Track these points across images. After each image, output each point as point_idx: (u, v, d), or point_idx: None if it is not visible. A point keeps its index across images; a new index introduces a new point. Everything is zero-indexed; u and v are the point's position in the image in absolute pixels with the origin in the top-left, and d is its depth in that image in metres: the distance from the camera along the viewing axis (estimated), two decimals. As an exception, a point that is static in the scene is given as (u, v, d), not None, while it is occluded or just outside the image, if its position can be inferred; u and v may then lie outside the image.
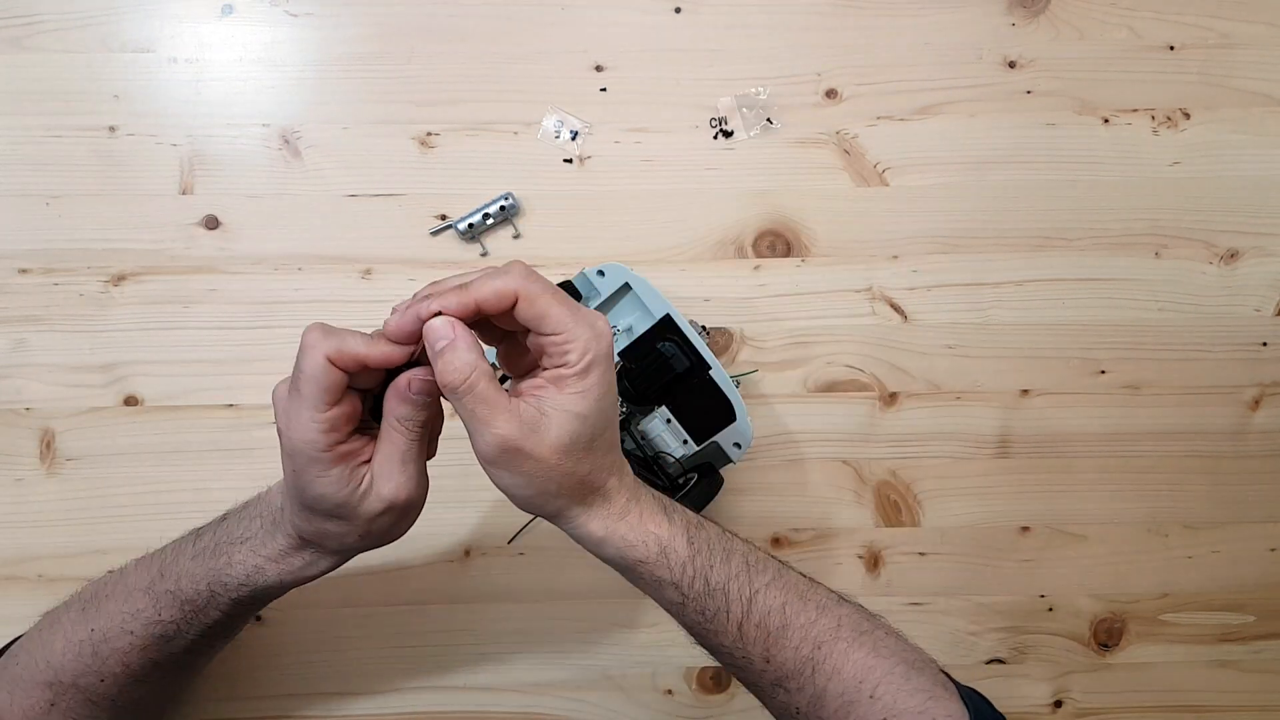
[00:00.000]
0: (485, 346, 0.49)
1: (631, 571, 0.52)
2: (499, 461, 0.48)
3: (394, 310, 0.48)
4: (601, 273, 0.66)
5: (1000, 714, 0.51)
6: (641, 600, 0.73)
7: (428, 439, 0.51)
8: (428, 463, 0.52)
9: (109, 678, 0.55)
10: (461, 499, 0.72)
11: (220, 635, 0.57)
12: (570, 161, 0.72)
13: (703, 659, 0.73)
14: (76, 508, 0.71)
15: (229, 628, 0.57)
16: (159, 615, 0.54)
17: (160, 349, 0.71)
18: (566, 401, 0.47)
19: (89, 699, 0.56)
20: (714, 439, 0.65)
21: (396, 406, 0.49)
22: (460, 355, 0.46)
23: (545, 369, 0.48)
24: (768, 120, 0.70)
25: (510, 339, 0.51)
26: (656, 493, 0.54)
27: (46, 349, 0.71)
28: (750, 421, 0.64)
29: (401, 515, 0.51)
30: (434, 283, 0.50)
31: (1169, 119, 0.74)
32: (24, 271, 0.71)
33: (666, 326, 0.65)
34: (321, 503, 0.49)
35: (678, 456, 0.66)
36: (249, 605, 0.55)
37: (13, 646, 0.59)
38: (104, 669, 0.55)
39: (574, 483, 0.49)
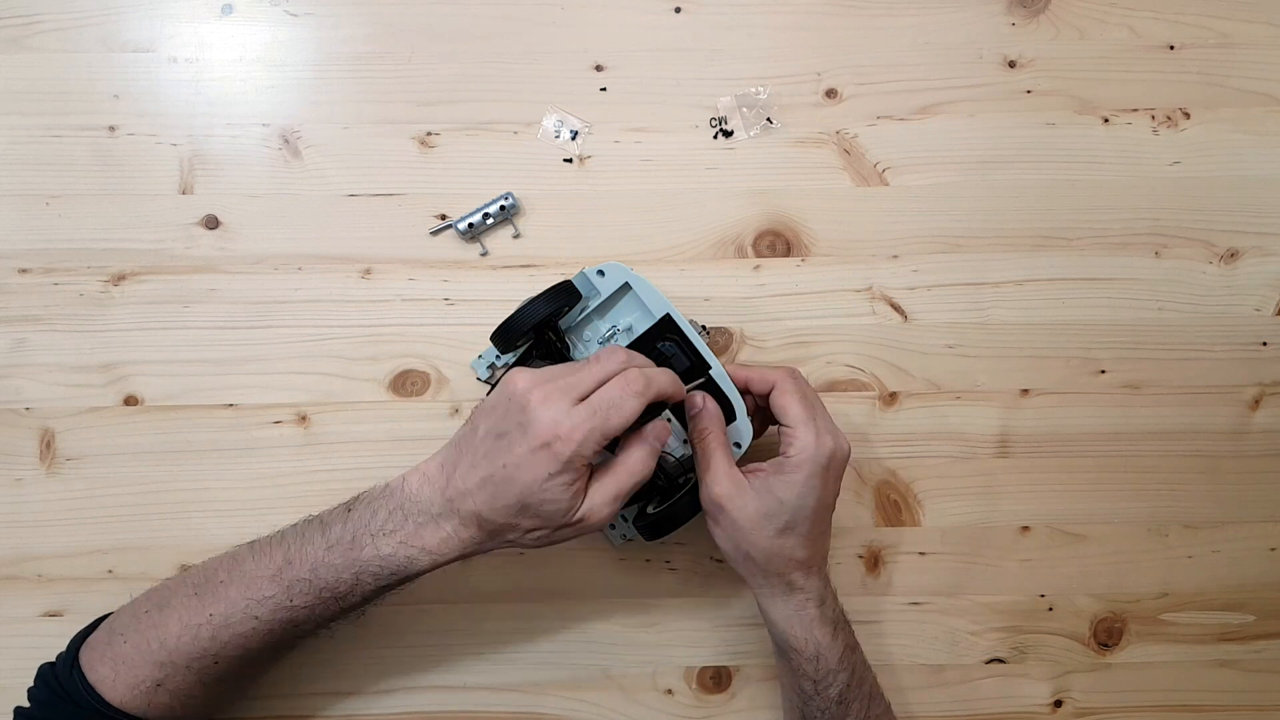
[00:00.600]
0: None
1: (783, 653, 0.64)
2: (710, 512, 0.61)
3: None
4: (601, 272, 0.66)
5: None
6: (642, 600, 0.73)
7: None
8: None
9: (225, 660, 0.58)
10: (461, 499, 0.72)
11: (353, 616, 0.61)
12: (570, 161, 0.72)
13: (703, 659, 0.73)
14: (76, 508, 0.71)
15: (365, 605, 0.60)
16: (290, 601, 0.57)
17: (160, 349, 0.71)
18: (773, 484, 0.59)
19: (201, 680, 0.58)
20: None
21: (637, 451, 0.57)
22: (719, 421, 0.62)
23: (777, 454, 0.61)
24: (768, 120, 0.70)
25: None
26: (836, 603, 0.63)
27: (46, 349, 0.71)
28: (750, 421, 0.64)
29: (581, 534, 0.57)
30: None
31: (1169, 119, 0.74)
32: (24, 271, 0.71)
33: (666, 326, 0.65)
34: (549, 508, 0.55)
35: (678, 456, 0.66)
36: (392, 589, 0.59)
37: (110, 622, 0.60)
38: (221, 652, 0.57)
39: (763, 557, 0.60)
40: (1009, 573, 0.74)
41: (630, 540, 0.71)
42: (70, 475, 0.71)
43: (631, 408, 0.54)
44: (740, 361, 0.73)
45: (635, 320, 0.67)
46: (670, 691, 0.73)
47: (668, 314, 0.64)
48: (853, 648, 0.63)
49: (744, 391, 0.63)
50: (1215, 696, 0.75)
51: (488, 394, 0.58)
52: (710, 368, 0.64)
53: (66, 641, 0.60)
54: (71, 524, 0.71)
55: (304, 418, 0.72)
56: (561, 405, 0.54)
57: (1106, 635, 0.74)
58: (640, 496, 0.69)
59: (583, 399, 0.54)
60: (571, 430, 0.53)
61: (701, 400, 0.61)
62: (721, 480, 0.60)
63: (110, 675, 0.57)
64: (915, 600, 0.74)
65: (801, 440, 0.59)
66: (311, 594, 0.57)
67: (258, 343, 0.71)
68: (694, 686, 0.73)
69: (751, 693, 0.73)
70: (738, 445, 0.64)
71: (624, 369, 0.56)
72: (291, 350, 0.72)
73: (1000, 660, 0.74)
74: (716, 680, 0.73)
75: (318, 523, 0.59)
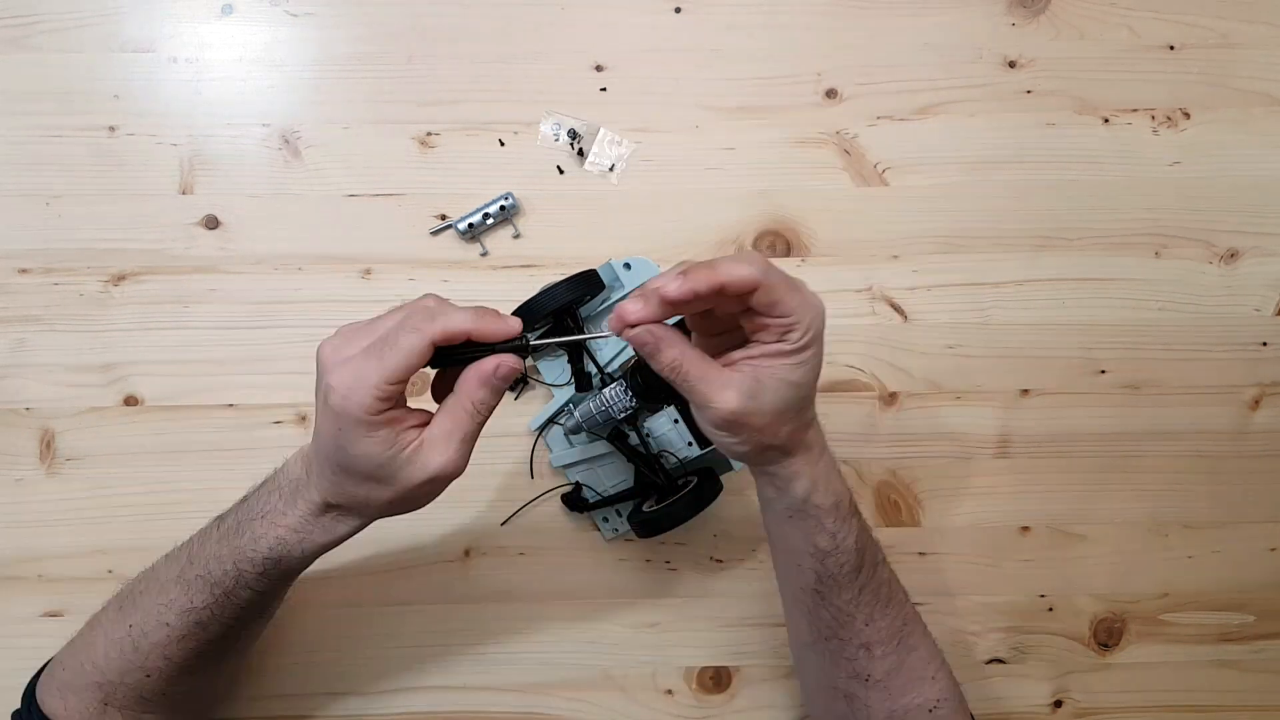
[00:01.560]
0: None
1: (801, 512, 0.55)
2: (725, 428, 0.51)
3: (640, 295, 0.50)
4: (628, 265, 0.66)
5: None
6: (642, 600, 0.73)
7: (484, 422, 0.52)
8: None
9: (154, 672, 0.56)
10: (461, 499, 0.72)
11: (254, 616, 0.58)
12: (561, 171, 0.72)
13: (702, 659, 0.73)
14: (76, 508, 0.71)
15: (261, 607, 0.57)
16: (191, 602, 0.55)
17: (160, 349, 0.71)
18: (785, 372, 0.50)
19: (139, 695, 0.57)
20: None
21: (476, 389, 0.51)
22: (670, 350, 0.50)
23: (763, 343, 0.51)
24: (610, 168, 0.70)
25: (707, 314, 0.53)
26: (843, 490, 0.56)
27: (46, 349, 0.71)
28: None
29: (440, 486, 0.52)
30: (683, 263, 0.51)
31: (1169, 119, 0.74)
32: (24, 271, 0.71)
33: (684, 325, 0.64)
34: (362, 462, 0.49)
35: (681, 458, 0.66)
36: (276, 580, 0.55)
37: (57, 656, 0.60)
38: (147, 664, 0.56)
39: (785, 437, 0.52)
40: (1009, 573, 0.74)
41: (620, 534, 0.71)
42: (70, 475, 0.71)
43: (409, 343, 0.48)
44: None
45: None
46: (670, 691, 0.73)
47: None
48: (867, 529, 0.57)
49: (711, 295, 0.49)
50: (1215, 696, 0.74)
51: None
52: None
53: (66, 642, 0.60)
54: (71, 524, 0.71)
55: (304, 418, 0.71)
56: (344, 355, 0.49)
57: (1106, 635, 0.74)
58: (637, 493, 0.69)
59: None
60: (343, 381, 0.48)
61: (649, 334, 0.50)
62: (729, 394, 0.50)
63: (61, 706, 0.57)
64: (915, 601, 0.73)
65: (805, 320, 0.49)
66: (206, 591, 0.54)
67: (258, 343, 0.71)
68: (694, 686, 0.73)
69: (751, 693, 0.73)
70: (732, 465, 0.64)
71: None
72: (291, 350, 0.72)
73: (1000, 660, 0.74)
74: (716, 680, 0.73)
75: (218, 517, 0.56)
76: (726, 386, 0.50)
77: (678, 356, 0.50)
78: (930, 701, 0.58)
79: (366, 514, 0.53)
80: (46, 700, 0.57)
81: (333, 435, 0.49)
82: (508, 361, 0.51)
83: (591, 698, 0.73)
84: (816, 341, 0.51)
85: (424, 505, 0.53)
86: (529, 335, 0.55)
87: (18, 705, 0.59)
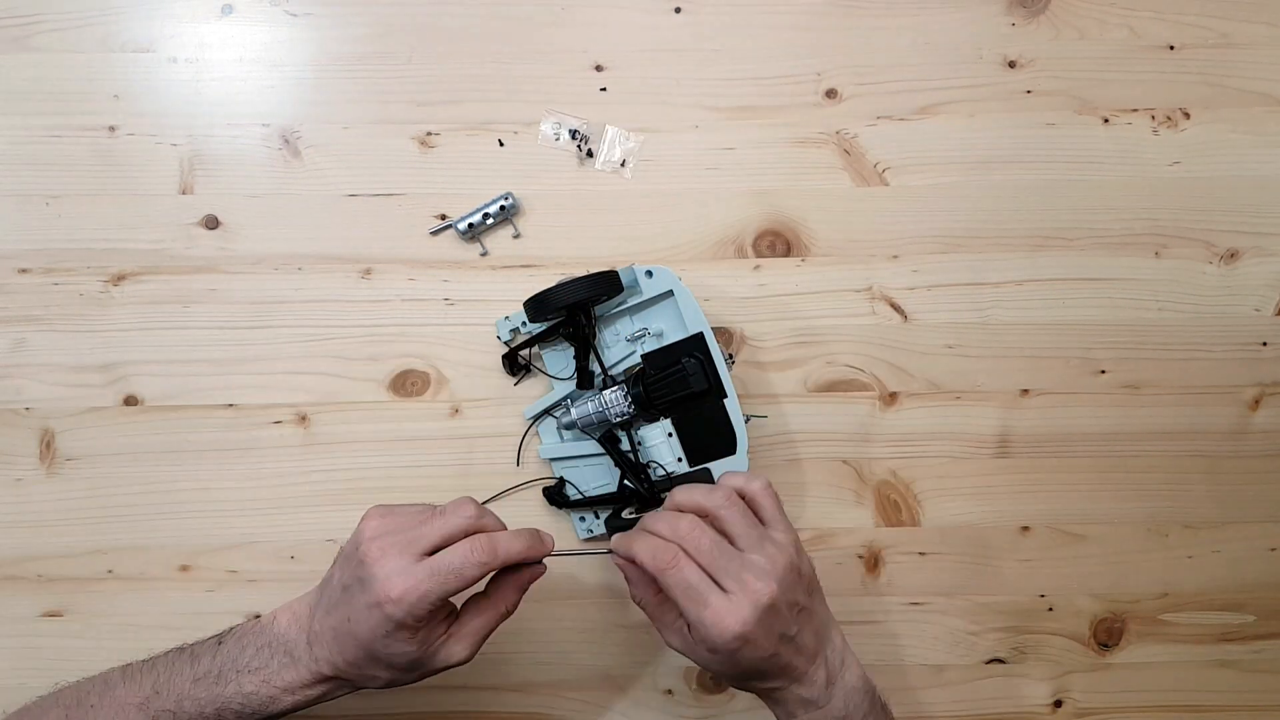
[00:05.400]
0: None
1: None
2: (687, 655, 0.57)
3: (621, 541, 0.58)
4: (650, 273, 0.66)
5: None
6: (641, 600, 0.73)
7: None
8: None
9: None
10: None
11: None
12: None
13: (703, 659, 0.73)
14: (76, 508, 0.71)
15: None
16: None
17: (160, 349, 0.71)
18: (701, 652, 0.55)
19: None
20: (708, 465, 0.65)
21: (512, 595, 0.57)
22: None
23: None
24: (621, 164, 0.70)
25: None
26: (849, 699, 0.58)
27: (46, 349, 0.71)
28: (749, 460, 0.64)
29: (448, 669, 0.57)
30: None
31: (1169, 119, 0.74)
32: (24, 271, 0.71)
33: (695, 343, 0.64)
34: (396, 658, 0.54)
35: (667, 470, 0.66)
36: None
37: None
38: None
39: (742, 687, 0.58)
40: (1009, 573, 0.74)
41: (594, 536, 0.71)
42: (70, 475, 0.71)
43: (472, 575, 0.53)
44: (745, 360, 0.73)
45: (667, 328, 0.68)
46: (670, 691, 0.73)
47: (701, 333, 0.64)
48: None
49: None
50: (1215, 696, 0.74)
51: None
52: (726, 396, 0.64)
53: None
54: (71, 524, 0.71)
55: (304, 418, 0.72)
56: (399, 561, 0.53)
57: (1106, 635, 0.74)
58: (618, 499, 0.69)
59: (426, 553, 0.54)
60: (405, 593, 0.52)
61: (624, 565, 0.58)
62: (673, 638, 0.57)
63: None
64: (915, 600, 0.74)
65: (708, 620, 0.53)
66: None
67: (258, 343, 0.71)
68: (694, 686, 0.73)
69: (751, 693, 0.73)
70: None
71: (471, 527, 0.55)
72: (291, 350, 0.72)
73: (1000, 660, 0.74)
74: (716, 680, 0.73)
75: (188, 654, 0.58)
76: (671, 632, 0.57)
77: (638, 595, 0.59)
78: None
79: (369, 687, 0.57)
80: None
81: (377, 635, 0.53)
82: (539, 573, 0.58)
83: (591, 698, 0.73)
84: (735, 652, 0.53)
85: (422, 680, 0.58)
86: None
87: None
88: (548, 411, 0.70)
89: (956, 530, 0.74)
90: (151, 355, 0.71)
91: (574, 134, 0.72)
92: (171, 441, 0.71)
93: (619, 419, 0.66)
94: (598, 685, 0.73)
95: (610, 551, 0.58)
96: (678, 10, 0.73)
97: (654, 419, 0.66)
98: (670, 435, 0.65)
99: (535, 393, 0.72)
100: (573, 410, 0.67)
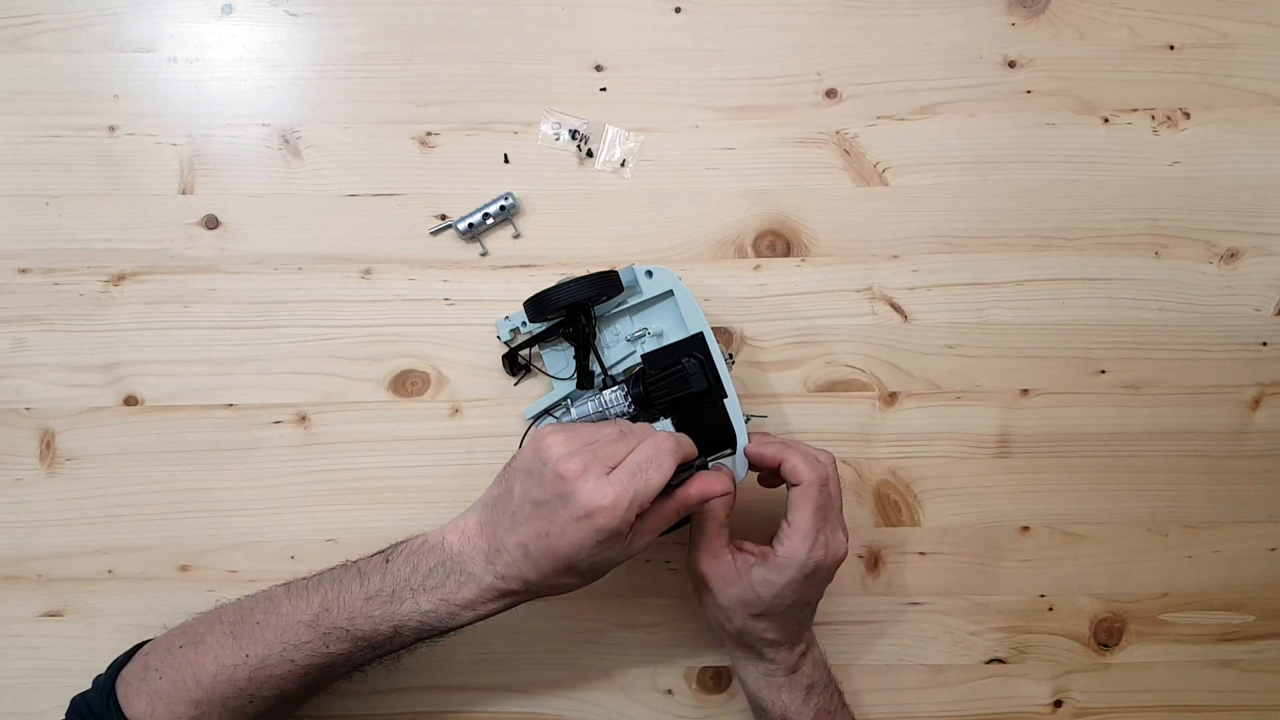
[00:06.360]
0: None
1: (754, 709, 0.67)
2: (693, 580, 0.64)
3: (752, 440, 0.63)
4: (650, 273, 0.66)
5: None
6: (642, 600, 0.73)
7: None
8: None
9: (260, 700, 0.58)
10: (461, 499, 0.72)
11: (390, 659, 0.61)
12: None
13: (702, 659, 0.73)
14: (76, 508, 0.71)
15: (399, 655, 0.61)
16: (327, 648, 0.57)
17: (160, 349, 0.71)
18: (756, 576, 0.61)
19: (236, 717, 0.58)
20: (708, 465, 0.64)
21: (695, 501, 0.59)
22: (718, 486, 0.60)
23: (771, 545, 0.61)
24: (621, 164, 0.70)
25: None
26: (816, 669, 0.66)
27: (46, 349, 0.71)
28: (748, 460, 0.64)
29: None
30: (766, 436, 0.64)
31: (1169, 119, 0.74)
32: (24, 271, 0.71)
33: (695, 343, 0.64)
34: (600, 565, 0.56)
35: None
36: (429, 640, 0.59)
37: (144, 655, 0.60)
38: (258, 692, 0.58)
39: (735, 632, 0.63)
40: (1009, 573, 0.74)
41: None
42: (70, 475, 0.71)
43: (668, 466, 0.55)
44: (745, 360, 0.73)
45: (667, 328, 0.68)
46: (670, 691, 0.73)
47: (700, 333, 0.64)
48: (829, 710, 0.65)
49: (767, 467, 0.63)
50: (1215, 696, 0.75)
51: (519, 449, 0.59)
52: (726, 397, 0.64)
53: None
54: (71, 524, 0.71)
55: (304, 418, 0.72)
56: (599, 474, 0.54)
57: (1106, 635, 0.74)
58: None
59: (613, 468, 0.55)
60: (615, 501, 0.53)
61: (721, 481, 0.60)
62: (711, 558, 0.62)
63: (147, 710, 0.58)
64: (915, 600, 0.74)
65: (792, 548, 0.60)
66: (348, 642, 0.57)
67: (258, 343, 0.71)
68: (694, 686, 0.73)
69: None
70: None
71: (645, 432, 0.58)
72: (291, 350, 0.72)
73: (1000, 660, 0.74)
74: (716, 680, 0.73)
75: (355, 571, 0.59)
76: (716, 552, 0.62)
77: (715, 507, 0.62)
78: None
79: (552, 595, 0.59)
80: (133, 702, 0.58)
81: (585, 546, 0.54)
82: (717, 489, 0.60)
83: (591, 698, 0.73)
84: (795, 577, 0.60)
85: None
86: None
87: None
88: (548, 411, 0.70)
89: (956, 530, 0.74)
90: (151, 355, 0.71)
91: (574, 134, 0.72)
92: (171, 441, 0.71)
93: (619, 419, 0.66)
94: (598, 685, 0.73)
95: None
96: (678, 10, 0.73)
97: (654, 419, 0.66)
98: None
99: (535, 393, 0.72)
100: (573, 410, 0.67)
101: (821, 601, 0.65)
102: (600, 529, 0.54)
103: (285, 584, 0.60)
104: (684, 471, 0.59)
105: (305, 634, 0.57)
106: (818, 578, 0.61)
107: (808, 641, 0.65)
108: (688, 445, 0.59)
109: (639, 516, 0.55)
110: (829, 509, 0.61)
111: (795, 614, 0.62)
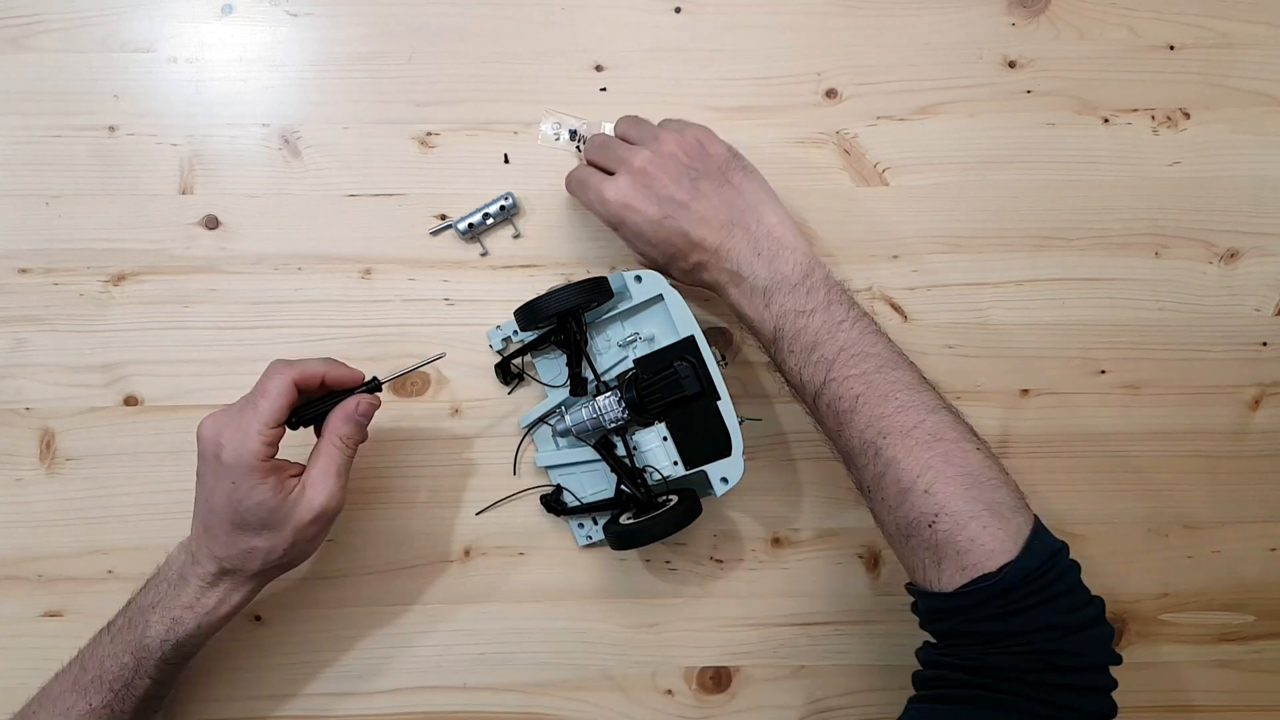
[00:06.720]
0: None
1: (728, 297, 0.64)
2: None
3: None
4: (639, 278, 0.66)
5: (1069, 569, 0.54)
6: (642, 600, 0.73)
7: (353, 456, 0.60)
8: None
9: None
10: (460, 499, 0.72)
11: (151, 707, 0.61)
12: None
13: (703, 659, 0.73)
14: (76, 508, 0.71)
15: (159, 696, 0.62)
16: (89, 704, 0.58)
17: (160, 349, 0.71)
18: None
19: None
20: (703, 468, 0.64)
21: (341, 426, 0.58)
22: None
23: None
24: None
25: None
26: (765, 277, 0.62)
27: (46, 349, 0.71)
28: (743, 461, 0.63)
29: (325, 524, 0.59)
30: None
31: (1169, 119, 0.74)
32: (24, 271, 0.71)
33: (687, 347, 0.64)
34: (257, 511, 0.56)
35: (664, 475, 0.65)
36: (173, 664, 0.60)
37: None
38: None
39: (652, 246, 0.64)
40: (1009, 573, 0.74)
41: (594, 542, 0.71)
42: (70, 475, 0.71)
43: (276, 386, 0.56)
44: (744, 361, 0.72)
45: (658, 332, 0.68)
46: (670, 691, 0.73)
47: (692, 336, 0.64)
48: (801, 311, 0.60)
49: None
50: (1215, 696, 0.74)
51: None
52: (719, 399, 0.63)
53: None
54: (71, 524, 0.71)
55: (304, 418, 0.72)
56: (220, 419, 0.56)
57: (1106, 635, 0.74)
58: (615, 505, 0.68)
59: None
60: (231, 433, 0.55)
61: (354, 405, 0.59)
62: (604, 194, 0.63)
63: None
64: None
65: (590, 196, 0.64)
66: (105, 690, 0.58)
67: (258, 343, 0.71)
68: (694, 686, 0.73)
69: (751, 693, 0.73)
70: (724, 480, 0.64)
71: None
72: (291, 350, 0.71)
73: (1000, 660, 0.74)
74: (716, 680, 0.73)
75: (106, 625, 0.61)
76: (604, 190, 0.63)
77: (341, 433, 0.59)
78: (927, 516, 0.54)
79: (260, 573, 0.59)
80: None
81: (227, 493, 0.56)
82: (366, 399, 0.59)
83: (591, 698, 0.73)
84: (621, 226, 0.63)
85: (314, 551, 0.61)
86: (383, 377, 0.62)
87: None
88: (542, 419, 0.70)
89: (956, 530, 0.73)
90: (151, 355, 0.71)
91: (574, 134, 0.72)
92: (171, 441, 0.71)
93: (613, 424, 0.66)
94: (598, 685, 0.73)
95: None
96: (678, 10, 0.73)
97: (649, 423, 0.66)
98: (665, 439, 0.65)
99: (531, 398, 0.72)
100: (567, 417, 0.67)
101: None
102: (229, 466, 0.55)
103: (56, 673, 0.61)
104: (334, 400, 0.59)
105: (69, 699, 0.58)
106: (637, 198, 0.62)
107: (755, 247, 0.62)
108: (310, 366, 0.58)
109: (309, 466, 0.57)
110: (599, 151, 0.66)
111: (666, 227, 0.62)
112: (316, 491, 0.57)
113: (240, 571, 0.58)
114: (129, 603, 0.61)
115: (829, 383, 0.59)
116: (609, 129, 0.71)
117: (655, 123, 0.66)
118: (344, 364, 0.60)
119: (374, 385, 0.61)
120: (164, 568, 0.61)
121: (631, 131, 0.66)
